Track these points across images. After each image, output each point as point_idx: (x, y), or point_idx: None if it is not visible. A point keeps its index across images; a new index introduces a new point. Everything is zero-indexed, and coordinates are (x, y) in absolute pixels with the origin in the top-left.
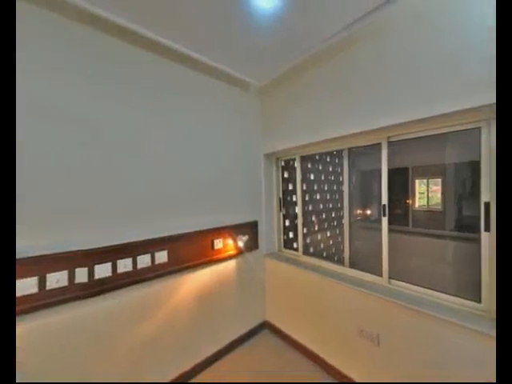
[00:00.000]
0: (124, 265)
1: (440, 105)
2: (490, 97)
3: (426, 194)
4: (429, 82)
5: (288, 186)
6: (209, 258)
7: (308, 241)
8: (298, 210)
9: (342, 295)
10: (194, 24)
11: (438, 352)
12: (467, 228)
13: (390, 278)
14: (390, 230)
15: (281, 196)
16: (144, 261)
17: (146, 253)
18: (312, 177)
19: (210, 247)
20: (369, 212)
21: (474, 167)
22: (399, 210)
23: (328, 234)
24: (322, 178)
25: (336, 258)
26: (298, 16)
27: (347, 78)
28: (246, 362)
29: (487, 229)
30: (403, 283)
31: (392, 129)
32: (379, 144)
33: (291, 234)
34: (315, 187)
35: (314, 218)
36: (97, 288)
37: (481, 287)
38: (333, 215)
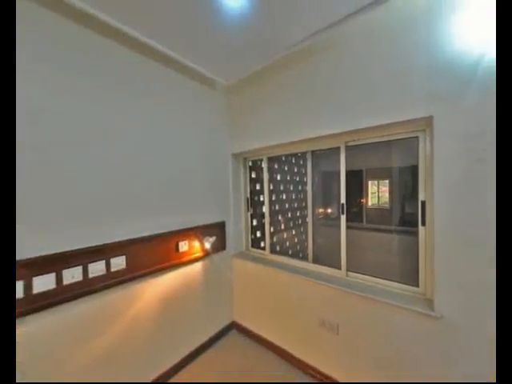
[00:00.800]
0: (72, 275)
1: (387, 115)
2: (426, 111)
3: (377, 193)
4: (379, 95)
5: (255, 186)
6: (173, 262)
7: (275, 239)
8: (266, 209)
9: (306, 290)
10: (160, 17)
11: (387, 332)
12: (408, 223)
13: (347, 270)
14: (347, 227)
15: (248, 196)
16: (97, 268)
17: (100, 260)
18: (278, 177)
19: (174, 250)
20: (329, 210)
21: (414, 171)
22: (355, 209)
23: (293, 233)
24: (288, 178)
25: (301, 255)
26: (264, 20)
27: (311, 84)
28: (216, 364)
29: (423, 223)
30: (359, 274)
31: (349, 134)
32: (338, 148)
33: (259, 233)
34: (281, 187)
35: (280, 217)
36: (37, 303)
37: (418, 273)
38: (298, 214)
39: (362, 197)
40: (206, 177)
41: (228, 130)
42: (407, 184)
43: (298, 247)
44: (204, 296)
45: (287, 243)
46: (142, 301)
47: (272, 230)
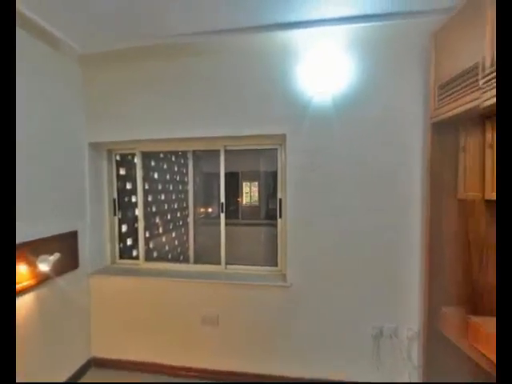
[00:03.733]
0: None
1: (257, 128)
2: (281, 129)
3: (250, 193)
4: (251, 110)
5: (126, 185)
6: None
7: (151, 245)
8: (139, 212)
9: (187, 292)
10: None
11: (257, 310)
12: (271, 217)
13: (226, 264)
14: (226, 224)
15: (115, 197)
16: None
17: None
18: (156, 175)
19: None
20: (210, 210)
21: (274, 175)
22: (233, 207)
23: (173, 235)
24: (168, 177)
25: (182, 257)
26: None
27: (195, 83)
28: None
29: (280, 216)
30: (237, 266)
31: (228, 139)
32: (218, 150)
33: (130, 241)
34: (159, 187)
35: (158, 220)
36: None
37: (277, 256)
38: (178, 215)
39: (238, 196)
40: (44, 171)
41: (84, 112)
42: (270, 185)
43: (179, 250)
44: (40, 341)
45: (166, 247)
46: None
47: (148, 234)
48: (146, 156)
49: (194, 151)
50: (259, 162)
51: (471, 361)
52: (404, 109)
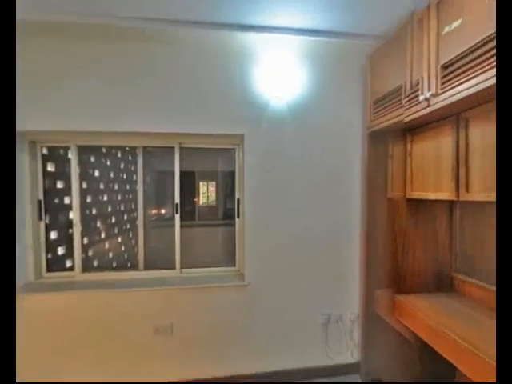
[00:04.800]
0: None
1: (214, 127)
2: (239, 129)
3: (207, 193)
4: (209, 108)
5: (55, 184)
6: None
7: (90, 253)
8: (75, 215)
9: (136, 302)
10: None
11: (217, 310)
12: (229, 217)
13: (181, 268)
14: (181, 226)
15: (41, 198)
16: None
17: None
18: (97, 173)
19: None
20: (163, 211)
21: (232, 175)
22: (189, 207)
23: (119, 240)
24: (112, 175)
25: (129, 264)
26: None
27: (146, 72)
28: None
29: (238, 216)
30: (193, 269)
31: (182, 136)
32: (173, 148)
33: (61, 250)
34: (101, 186)
35: (99, 224)
36: None
37: (235, 256)
38: (125, 217)
39: (194, 196)
40: None
41: None
42: (228, 185)
43: (126, 256)
44: None
45: (110, 254)
46: None
47: (86, 241)
48: (84, 150)
49: (144, 147)
50: (217, 162)
51: (397, 333)
52: (347, 118)
